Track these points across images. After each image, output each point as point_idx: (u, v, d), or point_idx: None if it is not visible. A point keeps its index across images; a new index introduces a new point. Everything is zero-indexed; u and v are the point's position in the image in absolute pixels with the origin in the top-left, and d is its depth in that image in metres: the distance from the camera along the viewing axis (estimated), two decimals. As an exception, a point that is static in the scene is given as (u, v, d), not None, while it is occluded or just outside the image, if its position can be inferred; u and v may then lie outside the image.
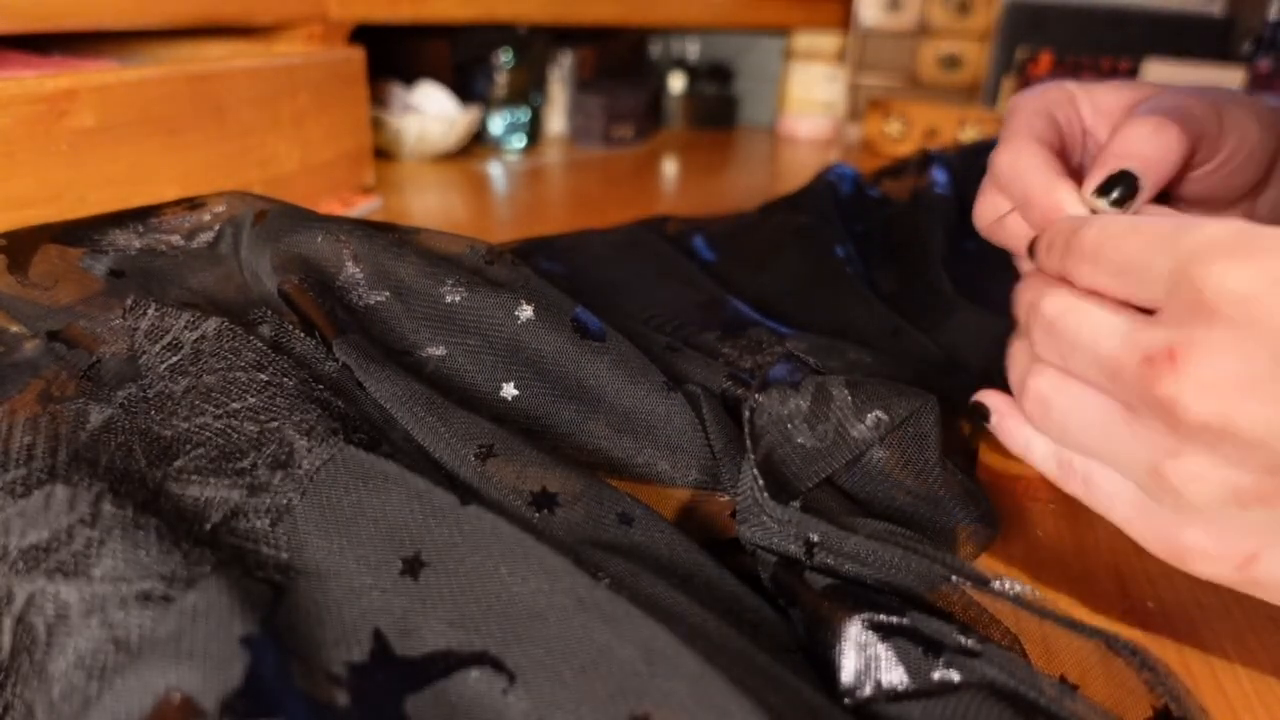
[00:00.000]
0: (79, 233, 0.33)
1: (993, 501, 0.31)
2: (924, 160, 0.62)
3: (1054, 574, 0.28)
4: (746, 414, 0.27)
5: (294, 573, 0.22)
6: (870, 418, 0.26)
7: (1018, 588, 0.21)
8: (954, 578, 0.21)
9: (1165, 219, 0.21)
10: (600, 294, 0.43)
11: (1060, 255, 0.23)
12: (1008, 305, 0.26)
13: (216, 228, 0.36)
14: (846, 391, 0.27)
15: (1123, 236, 0.21)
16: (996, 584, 0.21)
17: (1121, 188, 0.25)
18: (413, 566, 0.22)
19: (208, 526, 0.22)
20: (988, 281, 0.47)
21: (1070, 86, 0.30)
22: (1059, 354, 0.23)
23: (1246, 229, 0.19)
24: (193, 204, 0.37)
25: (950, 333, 0.41)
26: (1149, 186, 0.25)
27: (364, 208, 0.69)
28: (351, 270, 0.33)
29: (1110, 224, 0.22)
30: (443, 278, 0.33)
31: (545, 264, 0.47)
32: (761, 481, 0.25)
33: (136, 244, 0.34)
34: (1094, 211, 0.25)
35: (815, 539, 0.23)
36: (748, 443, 0.26)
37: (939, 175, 0.56)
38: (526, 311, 0.32)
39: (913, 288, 0.47)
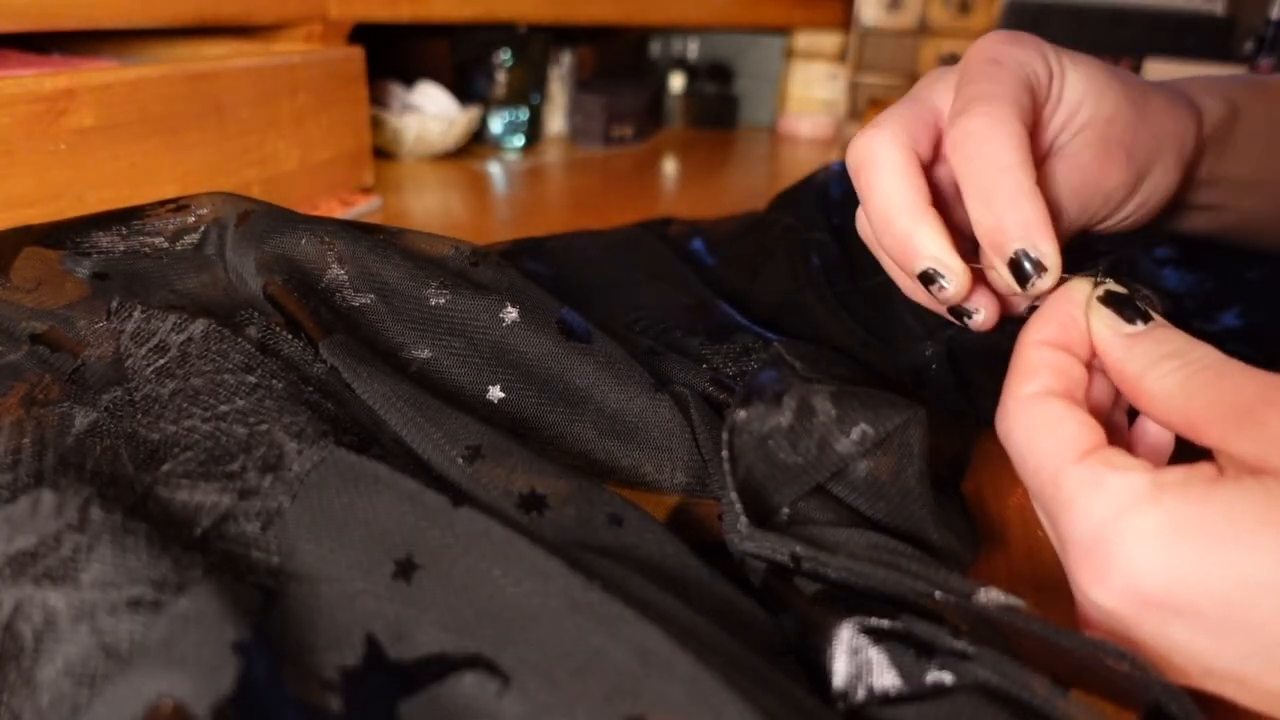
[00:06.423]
0: (62, 235, 0.33)
1: (981, 514, 0.30)
2: None
3: (1045, 585, 0.28)
4: (725, 435, 0.26)
5: (285, 577, 0.22)
6: (855, 432, 0.25)
7: (1003, 599, 0.21)
8: (938, 593, 0.21)
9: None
10: (586, 295, 0.43)
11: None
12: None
13: (201, 229, 0.36)
14: (830, 404, 0.25)
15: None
16: (982, 595, 0.21)
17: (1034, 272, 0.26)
18: (405, 569, 0.22)
19: (198, 531, 0.22)
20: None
21: (1050, 59, 0.29)
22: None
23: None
24: (177, 206, 0.36)
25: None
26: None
27: (364, 207, 0.69)
28: (336, 272, 0.33)
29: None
30: (427, 280, 0.32)
31: (531, 265, 0.46)
32: (739, 506, 0.24)
33: (121, 246, 0.34)
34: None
35: (800, 551, 0.23)
36: (726, 466, 0.25)
37: None
38: (511, 313, 0.31)
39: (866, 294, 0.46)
